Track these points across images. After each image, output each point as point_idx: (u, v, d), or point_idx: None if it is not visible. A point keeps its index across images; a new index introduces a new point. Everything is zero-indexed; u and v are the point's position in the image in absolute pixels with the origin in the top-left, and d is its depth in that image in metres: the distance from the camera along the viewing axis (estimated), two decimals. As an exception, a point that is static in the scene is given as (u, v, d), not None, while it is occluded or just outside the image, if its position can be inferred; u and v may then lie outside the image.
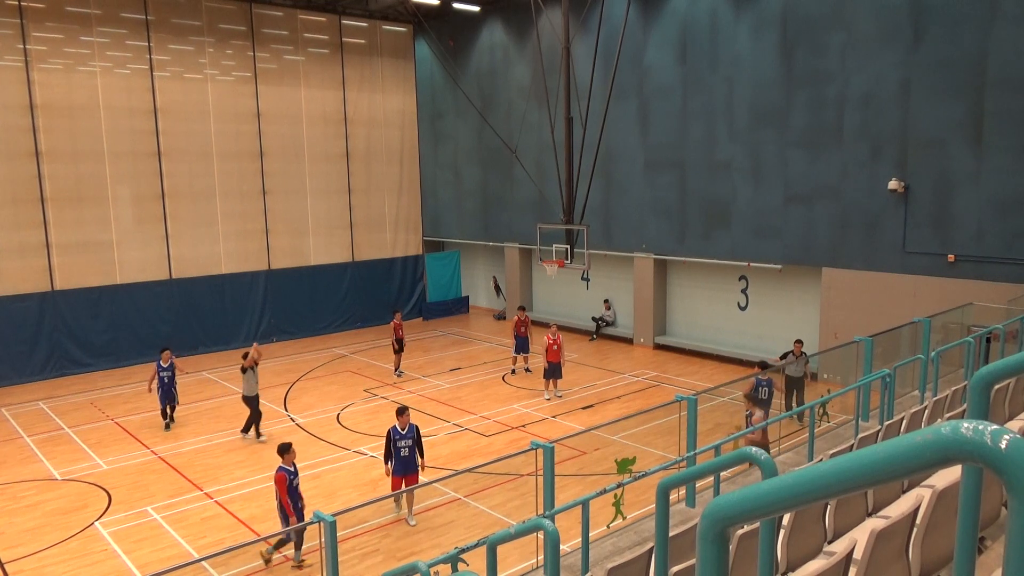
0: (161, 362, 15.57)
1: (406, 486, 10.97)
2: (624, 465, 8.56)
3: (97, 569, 10.18)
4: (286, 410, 17.07)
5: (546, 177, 22.58)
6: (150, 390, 15.74)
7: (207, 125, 22.56)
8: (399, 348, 19.68)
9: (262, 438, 14.92)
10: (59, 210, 20.19)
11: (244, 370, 14.81)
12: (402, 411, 11.14)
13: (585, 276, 24.19)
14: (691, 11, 19.79)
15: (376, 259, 26.76)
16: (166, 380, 15.61)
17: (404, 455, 10.99)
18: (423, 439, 11.45)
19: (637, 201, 21.87)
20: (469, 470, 9.86)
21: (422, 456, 11.24)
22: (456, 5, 24.76)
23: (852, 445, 7.40)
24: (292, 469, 10.07)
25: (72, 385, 19.63)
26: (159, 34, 21.55)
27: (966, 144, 15.15)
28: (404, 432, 11.01)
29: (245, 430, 15.09)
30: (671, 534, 4.51)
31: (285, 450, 10.15)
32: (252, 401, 14.91)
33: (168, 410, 15.87)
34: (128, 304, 21.45)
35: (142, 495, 12.53)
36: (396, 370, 19.71)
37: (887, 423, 8.08)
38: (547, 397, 17.37)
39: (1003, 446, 1.25)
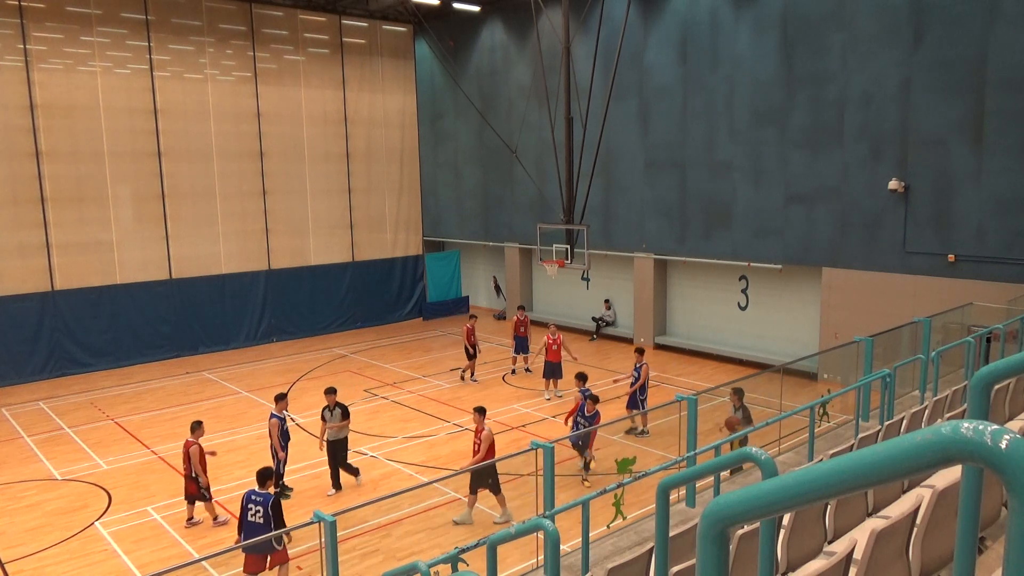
0: (276, 411, 12.33)
1: (267, 566, 8.85)
2: (624, 465, 8.56)
3: (97, 569, 10.19)
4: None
5: (546, 177, 22.58)
6: (278, 449, 12.21)
7: (207, 125, 22.55)
8: (472, 353, 18.82)
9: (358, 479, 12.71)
10: (59, 210, 20.18)
11: (330, 411, 12.51)
12: (264, 476, 9.17)
13: (585, 276, 24.18)
14: (691, 11, 19.78)
15: (376, 259, 26.75)
16: (288, 433, 12.50)
17: (255, 521, 8.93)
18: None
19: (637, 201, 21.87)
20: (469, 470, 9.86)
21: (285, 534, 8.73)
22: (456, 5, 24.76)
23: (852, 445, 7.39)
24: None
25: (72, 385, 19.63)
26: (159, 34, 21.54)
27: (966, 144, 15.15)
28: (257, 498, 8.98)
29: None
30: (671, 534, 4.51)
31: None
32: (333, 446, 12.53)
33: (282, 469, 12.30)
34: (128, 304, 21.45)
35: (142, 495, 12.55)
36: (471, 376, 18.97)
37: (887, 423, 8.08)
38: (547, 397, 17.37)
39: (1003, 446, 1.25)
